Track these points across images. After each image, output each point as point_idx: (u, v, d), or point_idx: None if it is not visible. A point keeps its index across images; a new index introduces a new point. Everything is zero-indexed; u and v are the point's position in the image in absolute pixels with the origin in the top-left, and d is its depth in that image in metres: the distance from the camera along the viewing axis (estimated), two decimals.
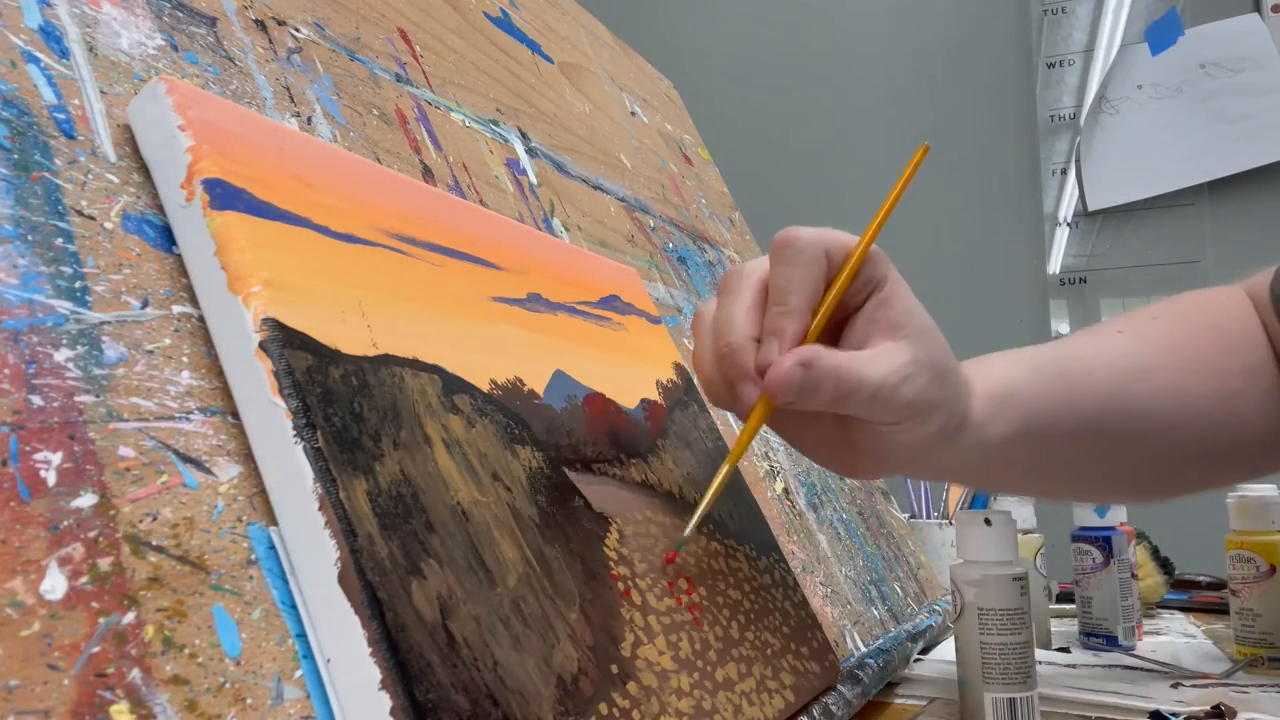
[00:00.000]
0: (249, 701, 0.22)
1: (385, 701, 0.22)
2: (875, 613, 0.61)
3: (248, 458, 0.25)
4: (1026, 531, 0.78)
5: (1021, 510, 0.81)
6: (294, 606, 0.24)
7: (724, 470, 0.37)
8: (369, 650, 0.22)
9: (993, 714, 0.45)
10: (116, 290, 0.24)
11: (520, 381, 0.34)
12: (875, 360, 0.36)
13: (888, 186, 0.41)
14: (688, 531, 0.36)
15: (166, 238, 0.26)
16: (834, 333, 0.39)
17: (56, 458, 0.21)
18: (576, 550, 0.31)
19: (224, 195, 0.26)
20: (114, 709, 0.19)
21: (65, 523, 0.20)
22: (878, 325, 0.38)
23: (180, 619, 0.21)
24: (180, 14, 0.32)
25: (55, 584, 0.19)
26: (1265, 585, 0.67)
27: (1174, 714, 0.49)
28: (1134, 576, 0.74)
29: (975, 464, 0.43)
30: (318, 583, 0.23)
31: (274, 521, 0.24)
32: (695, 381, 0.42)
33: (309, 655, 0.23)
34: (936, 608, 0.72)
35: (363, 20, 0.43)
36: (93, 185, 0.25)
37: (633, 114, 0.78)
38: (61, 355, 0.22)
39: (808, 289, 0.36)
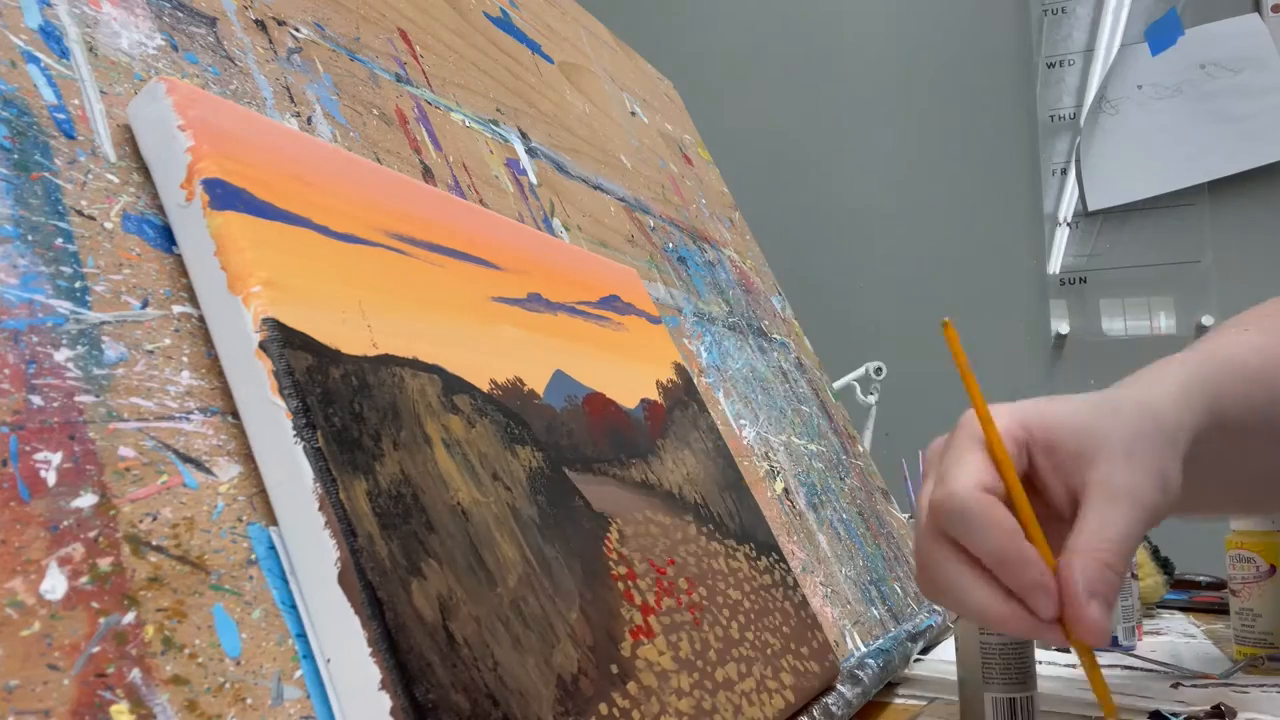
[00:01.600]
0: (249, 701, 0.22)
1: (385, 701, 0.22)
2: (875, 613, 0.61)
3: (248, 458, 0.25)
4: None
5: None
6: (294, 606, 0.24)
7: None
8: (369, 650, 0.22)
9: (992, 714, 0.45)
10: (116, 290, 0.24)
11: (520, 381, 0.34)
12: (1102, 515, 0.35)
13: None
14: None
15: (166, 238, 0.26)
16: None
17: (56, 458, 0.21)
18: (576, 550, 0.31)
19: (224, 195, 0.26)
20: (114, 709, 0.19)
21: (65, 523, 0.20)
22: (1063, 473, 0.37)
23: (180, 619, 0.21)
24: (180, 14, 0.32)
25: (55, 584, 0.19)
26: (1265, 585, 0.67)
27: (1174, 714, 0.49)
28: (1134, 576, 0.74)
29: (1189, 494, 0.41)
30: (318, 583, 0.23)
31: (274, 521, 0.24)
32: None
33: (309, 655, 0.23)
34: (936, 608, 0.72)
35: (363, 20, 0.43)
36: (93, 185, 0.25)
37: (633, 114, 0.78)
38: (61, 355, 0.22)
39: (1011, 533, 0.34)
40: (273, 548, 0.24)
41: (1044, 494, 0.38)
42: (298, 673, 0.23)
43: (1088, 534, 0.34)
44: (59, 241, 0.23)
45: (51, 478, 0.20)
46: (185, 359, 0.25)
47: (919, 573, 0.38)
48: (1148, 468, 0.36)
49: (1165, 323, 1.34)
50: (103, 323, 0.23)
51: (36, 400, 0.21)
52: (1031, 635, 0.35)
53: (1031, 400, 0.39)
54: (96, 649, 0.19)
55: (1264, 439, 0.46)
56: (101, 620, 0.20)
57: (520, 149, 0.52)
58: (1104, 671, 0.36)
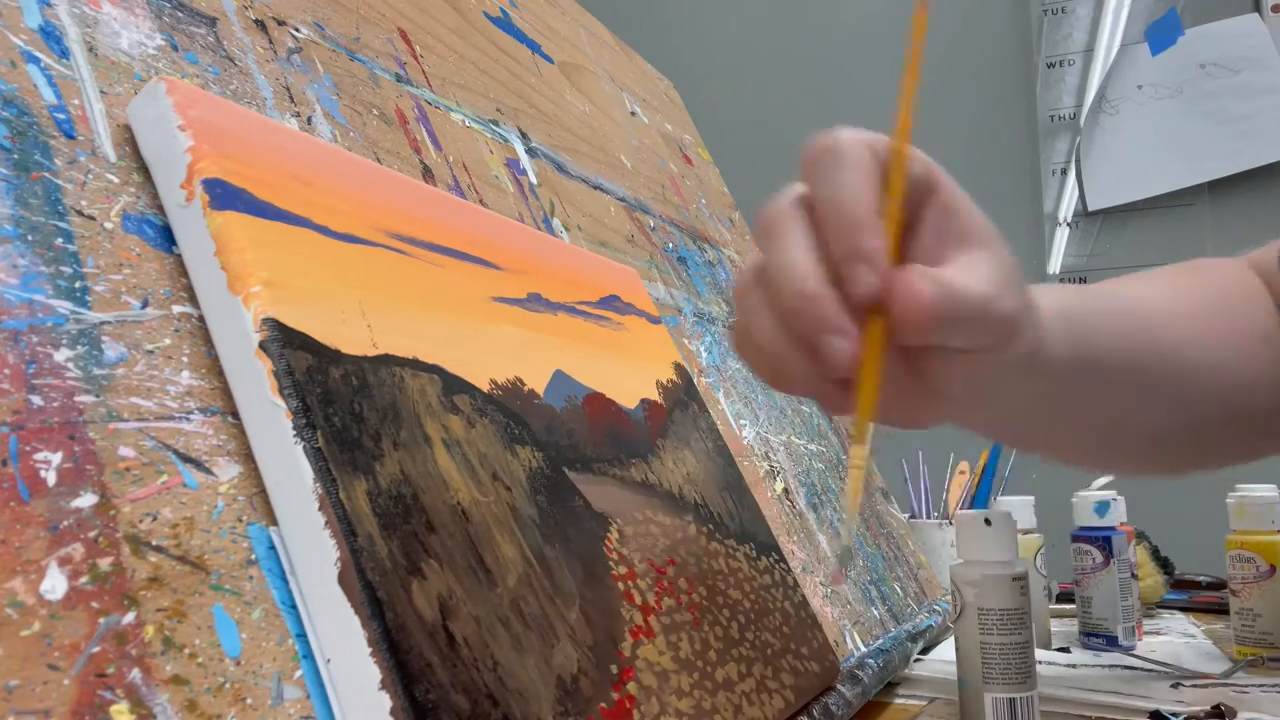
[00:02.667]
0: (249, 701, 0.22)
1: (385, 701, 0.22)
2: (875, 613, 0.61)
3: (248, 458, 0.25)
4: (1026, 531, 0.78)
5: (1022, 510, 0.81)
6: (294, 606, 0.24)
7: (861, 452, 0.31)
8: (369, 650, 0.22)
9: (993, 714, 0.45)
10: (116, 290, 0.24)
11: (520, 381, 0.34)
12: (973, 272, 0.31)
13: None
14: (852, 531, 0.32)
15: (166, 238, 0.26)
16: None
17: (56, 458, 0.21)
18: (576, 550, 0.31)
19: (224, 195, 0.26)
20: (114, 709, 0.19)
21: (65, 523, 0.20)
22: (949, 237, 0.32)
23: (180, 619, 0.21)
24: (180, 14, 0.32)
25: (55, 584, 0.19)
26: (1265, 585, 0.67)
27: (1174, 714, 0.49)
28: (1134, 576, 0.74)
29: (1037, 400, 0.39)
30: (318, 583, 0.23)
31: (274, 521, 0.24)
32: (745, 366, 0.35)
33: (309, 655, 0.23)
34: (936, 608, 0.72)
35: (363, 20, 0.43)
36: (93, 185, 0.25)
37: (633, 114, 0.78)
38: (61, 355, 0.22)
39: (866, 191, 0.30)
40: (273, 548, 0.24)
41: (914, 243, 0.33)
42: (298, 673, 0.23)
43: (955, 267, 0.31)
44: (59, 241, 0.23)
45: (51, 478, 0.20)
46: (185, 359, 0.25)
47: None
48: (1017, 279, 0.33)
49: None
50: (103, 323, 0.23)
51: (36, 400, 0.21)
52: (823, 329, 0.29)
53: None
54: (96, 649, 0.19)
55: (1123, 387, 0.44)
56: (101, 620, 0.20)
57: (520, 149, 0.52)
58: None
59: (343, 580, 0.23)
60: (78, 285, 0.23)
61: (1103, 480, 0.86)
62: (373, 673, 0.22)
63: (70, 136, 0.25)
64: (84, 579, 0.20)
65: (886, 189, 0.31)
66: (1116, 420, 0.47)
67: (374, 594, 0.23)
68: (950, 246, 0.32)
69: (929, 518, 0.98)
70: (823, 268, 0.30)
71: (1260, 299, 0.53)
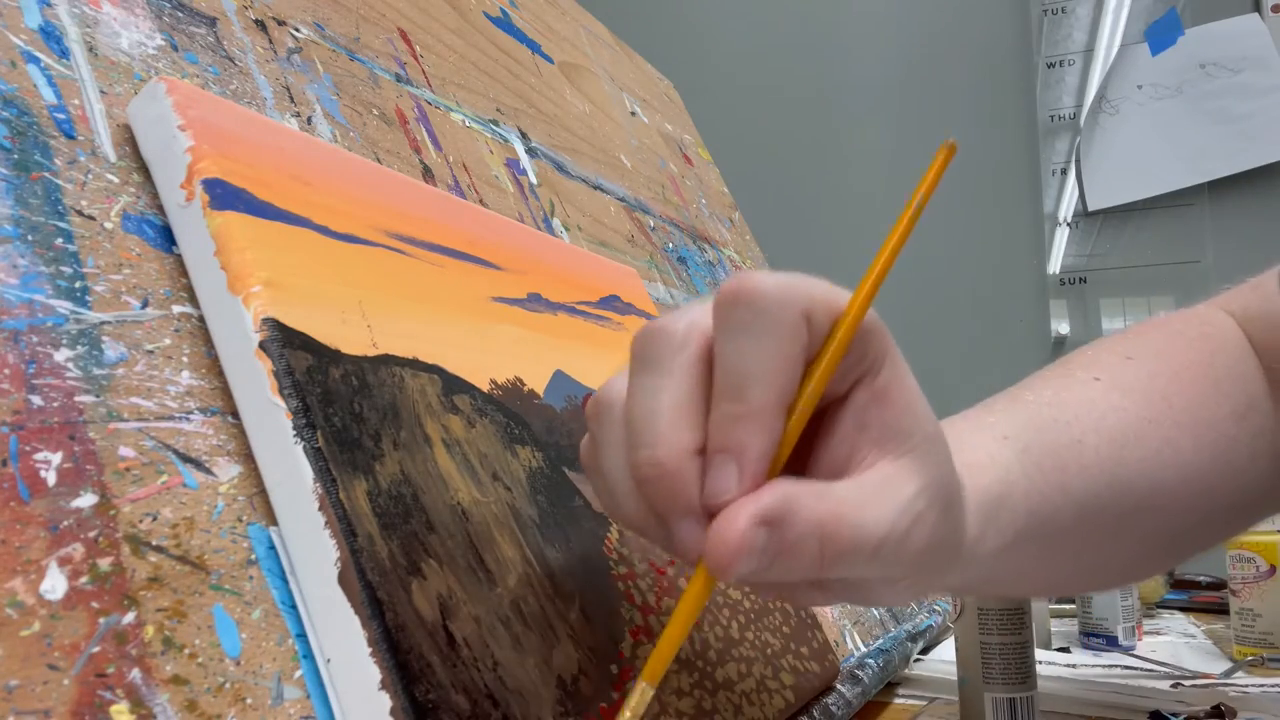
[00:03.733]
0: (249, 701, 0.22)
1: (385, 701, 0.22)
2: (875, 613, 0.61)
3: (248, 458, 0.25)
4: None
5: None
6: (294, 606, 0.24)
7: (639, 691, 0.23)
8: (369, 650, 0.22)
9: (992, 714, 0.45)
10: (116, 290, 0.24)
11: (520, 381, 0.34)
12: (876, 497, 0.24)
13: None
14: None
15: (166, 238, 0.26)
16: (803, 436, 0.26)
17: (56, 458, 0.21)
18: (576, 550, 0.31)
19: (224, 195, 0.26)
20: (114, 709, 0.19)
21: (65, 523, 0.20)
22: (871, 433, 0.26)
23: (180, 619, 0.21)
24: (180, 14, 0.32)
25: (55, 584, 0.19)
26: (1265, 585, 0.67)
27: (1174, 714, 0.49)
28: None
29: (969, 583, 0.35)
30: (318, 583, 0.23)
31: (274, 521, 0.24)
32: (595, 503, 0.31)
33: (309, 655, 0.23)
34: (936, 608, 0.72)
35: (363, 20, 0.43)
36: (93, 185, 0.25)
37: (633, 114, 0.78)
38: (61, 355, 0.22)
39: (779, 375, 0.23)
40: (273, 548, 0.24)
41: (829, 426, 0.26)
42: (298, 673, 0.23)
43: (848, 485, 0.24)
44: (59, 241, 0.23)
45: (51, 478, 0.20)
46: (185, 359, 0.25)
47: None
48: (945, 493, 0.26)
49: None
50: (103, 323, 0.23)
51: (36, 400, 0.21)
52: (656, 502, 0.24)
53: None
54: (96, 649, 0.19)
55: (1079, 538, 0.37)
56: (101, 620, 0.20)
57: (520, 149, 0.52)
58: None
59: (343, 580, 0.23)
60: (78, 285, 0.23)
61: None
62: (373, 673, 0.22)
63: (70, 136, 0.25)
64: (84, 579, 0.20)
65: (812, 366, 0.25)
66: (1077, 564, 0.40)
67: (374, 594, 0.23)
68: (872, 449, 0.26)
69: None
70: (697, 434, 0.24)
71: (1235, 363, 0.45)
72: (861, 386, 0.26)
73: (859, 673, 0.47)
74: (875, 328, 0.26)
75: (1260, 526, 0.69)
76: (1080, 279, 1.38)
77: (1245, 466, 0.43)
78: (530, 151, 0.53)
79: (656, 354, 0.24)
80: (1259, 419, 0.43)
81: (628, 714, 0.23)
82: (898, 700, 0.55)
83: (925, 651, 0.67)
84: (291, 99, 0.35)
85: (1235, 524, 0.46)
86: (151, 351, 0.24)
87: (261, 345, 0.24)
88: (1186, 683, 0.58)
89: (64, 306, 0.23)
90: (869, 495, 0.24)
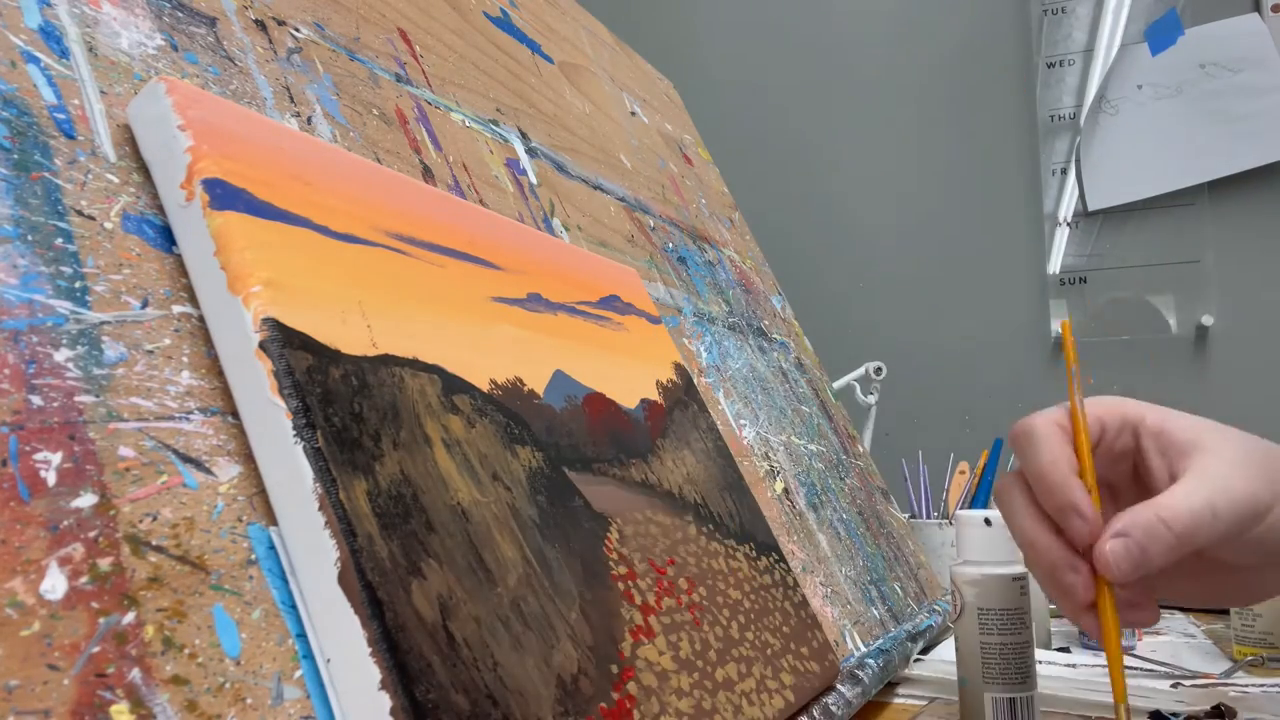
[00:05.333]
0: (249, 701, 0.22)
1: (385, 701, 0.22)
2: (875, 613, 0.61)
3: (248, 458, 0.25)
4: None
5: None
6: (294, 606, 0.24)
7: (1121, 712, 0.37)
8: (369, 650, 0.22)
9: (993, 714, 0.45)
10: (116, 290, 0.24)
11: (520, 381, 0.34)
12: (1187, 485, 0.36)
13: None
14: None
15: (166, 238, 0.26)
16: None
17: (56, 458, 0.21)
18: (576, 550, 0.31)
19: (224, 195, 0.26)
20: (114, 709, 0.19)
21: (65, 523, 0.20)
22: (1171, 453, 0.38)
23: (180, 619, 0.21)
24: (180, 14, 0.32)
25: (55, 584, 0.19)
26: None
27: (1174, 714, 0.49)
28: None
29: None
30: (318, 583, 0.23)
31: (274, 521, 0.24)
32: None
33: (309, 655, 0.23)
34: (936, 608, 0.72)
35: (363, 20, 0.43)
36: (93, 185, 0.25)
37: (633, 114, 0.78)
38: (61, 355, 0.22)
39: (1063, 461, 0.38)
40: (273, 548, 0.24)
41: (1146, 475, 0.40)
42: (298, 673, 0.23)
43: (1161, 495, 0.36)
44: (59, 241, 0.23)
45: (51, 478, 0.20)
46: (185, 359, 0.25)
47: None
48: (1246, 469, 0.37)
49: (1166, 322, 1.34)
50: (103, 323, 0.23)
51: (36, 400, 0.21)
52: (1060, 572, 0.37)
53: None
54: (96, 649, 0.19)
55: None
56: (101, 620, 0.20)
57: (520, 149, 0.52)
58: (1103, 671, 0.36)
59: (343, 580, 0.23)
60: (78, 285, 0.23)
61: None
62: (373, 673, 0.22)
63: (70, 136, 0.25)
64: (84, 579, 0.20)
65: (1079, 452, 0.39)
66: None
67: (374, 594, 0.23)
68: (1175, 459, 0.38)
69: (929, 518, 0.98)
70: (1043, 528, 0.38)
71: None
72: (1143, 436, 0.40)
73: (859, 673, 0.47)
74: (1111, 405, 0.42)
75: None
76: (1080, 279, 1.38)
77: None
78: (530, 151, 0.53)
79: (1005, 502, 0.41)
80: None
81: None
82: (898, 700, 0.55)
83: (925, 651, 0.67)
84: (291, 99, 0.35)
85: None
86: (151, 351, 0.24)
87: (261, 345, 0.24)
88: (1186, 683, 0.58)
89: (64, 306, 0.23)
90: (1182, 485, 0.36)
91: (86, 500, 0.21)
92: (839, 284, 1.46)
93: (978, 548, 0.47)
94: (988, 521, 0.47)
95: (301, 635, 0.23)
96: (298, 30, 0.38)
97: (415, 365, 0.29)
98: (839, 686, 0.44)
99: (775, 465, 0.60)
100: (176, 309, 0.26)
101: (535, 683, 0.26)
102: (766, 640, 0.39)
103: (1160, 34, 1.36)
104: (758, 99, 1.58)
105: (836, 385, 1.08)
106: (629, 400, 0.41)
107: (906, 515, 0.97)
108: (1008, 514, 0.40)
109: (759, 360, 0.71)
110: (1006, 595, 0.46)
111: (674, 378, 0.47)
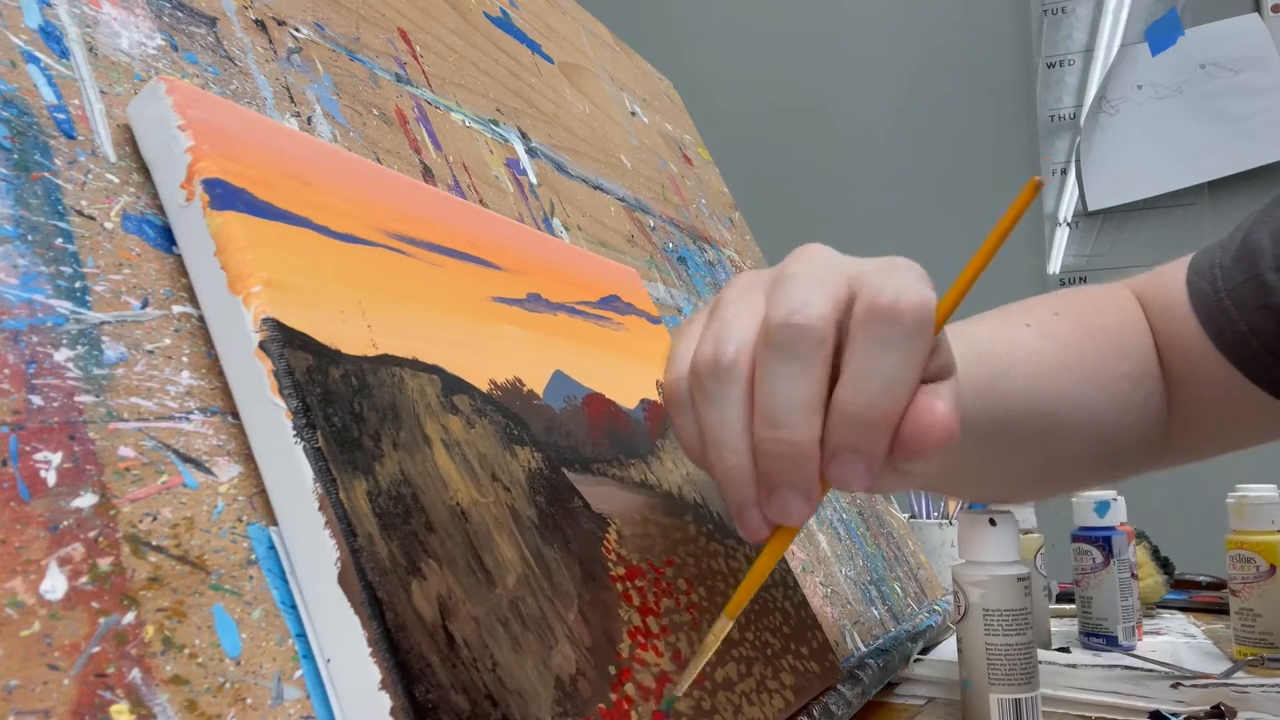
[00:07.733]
0: (249, 701, 0.22)
1: (385, 701, 0.22)
2: (875, 613, 0.61)
3: (248, 458, 0.25)
4: (1027, 532, 0.78)
5: (1021, 510, 0.81)
6: (294, 606, 0.24)
7: (721, 627, 0.30)
8: (369, 650, 0.22)
9: (998, 715, 0.45)
10: (116, 290, 0.24)
11: (520, 381, 0.34)
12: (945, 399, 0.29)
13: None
14: (679, 691, 0.30)
15: (166, 238, 0.26)
16: None
17: (56, 458, 0.21)
18: (575, 551, 0.31)
19: (224, 195, 0.26)
20: (114, 709, 0.19)
21: (65, 523, 0.20)
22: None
23: (180, 619, 0.21)
24: (180, 14, 0.32)
25: (55, 584, 0.19)
26: (1265, 585, 0.67)
27: (1174, 714, 0.49)
28: (1134, 576, 0.74)
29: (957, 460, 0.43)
30: (318, 583, 0.23)
31: (274, 521, 0.24)
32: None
33: (309, 655, 0.23)
34: (936, 608, 0.72)
35: (363, 20, 0.43)
36: (93, 185, 0.25)
37: (633, 114, 0.78)
38: (61, 355, 0.22)
39: (913, 387, 0.28)
40: (273, 548, 0.24)
41: None
42: (298, 673, 0.23)
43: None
44: (59, 241, 0.23)
45: (51, 478, 0.20)
46: (185, 359, 0.25)
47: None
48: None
49: None
50: (103, 323, 0.23)
51: (36, 400, 0.21)
52: (782, 474, 0.28)
53: None
54: (96, 649, 0.19)
55: (997, 448, 0.46)
56: (101, 620, 0.20)
57: (520, 149, 0.52)
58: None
59: (343, 580, 0.23)
60: (78, 285, 0.23)
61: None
62: (373, 673, 0.22)
63: (70, 136, 0.25)
64: (84, 579, 0.20)
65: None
66: (998, 470, 0.50)
67: (374, 594, 0.23)
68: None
69: (929, 517, 0.98)
70: (820, 416, 0.28)
71: (1138, 333, 0.53)
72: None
73: (859, 673, 0.47)
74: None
75: (1260, 526, 0.69)
76: (1080, 279, 1.38)
77: (1134, 422, 0.51)
78: (530, 151, 0.53)
79: (797, 347, 0.27)
80: (1150, 384, 0.52)
81: (710, 638, 0.30)
82: (897, 700, 0.55)
83: (925, 651, 0.67)
84: (291, 99, 0.35)
85: (1118, 468, 0.54)
86: (151, 351, 0.24)
87: (261, 345, 0.24)
88: (1186, 683, 0.58)
89: (64, 306, 0.23)
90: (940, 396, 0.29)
91: (86, 500, 0.21)
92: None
93: (981, 548, 0.47)
94: (992, 522, 0.47)
95: (301, 635, 0.23)
96: (298, 30, 0.38)
97: (415, 365, 0.29)
98: (839, 686, 0.44)
99: None
100: (176, 309, 0.26)
101: (534, 683, 0.26)
102: (766, 640, 0.39)
103: (1160, 34, 1.36)
104: (758, 99, 1.58)
105: None
106: (629, 400, 0.41)
107: (906, 515, 0.97)
108: (801, 360, 0.27)
109: None
110: (1012, 596, 0.45)
111: None
